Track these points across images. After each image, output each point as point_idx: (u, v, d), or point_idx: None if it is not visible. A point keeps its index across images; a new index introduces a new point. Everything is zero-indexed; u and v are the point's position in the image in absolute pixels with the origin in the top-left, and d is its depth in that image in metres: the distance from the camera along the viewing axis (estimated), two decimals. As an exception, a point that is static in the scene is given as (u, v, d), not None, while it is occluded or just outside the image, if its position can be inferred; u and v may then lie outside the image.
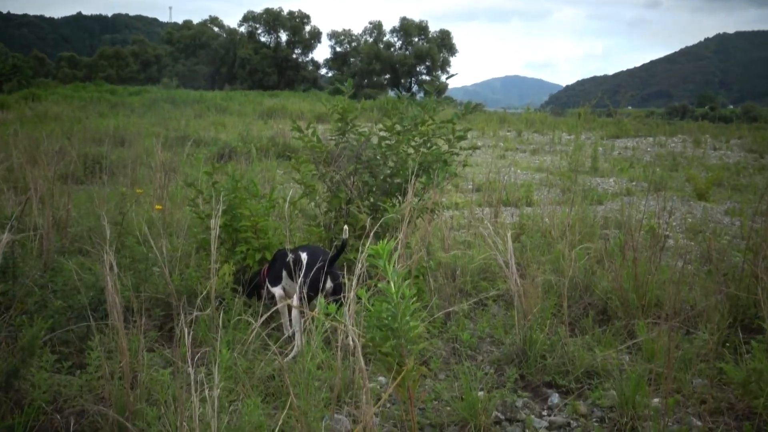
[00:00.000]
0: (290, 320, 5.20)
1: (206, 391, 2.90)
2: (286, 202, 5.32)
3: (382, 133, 6.44)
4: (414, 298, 3.50)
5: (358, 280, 3.97)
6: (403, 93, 6.40)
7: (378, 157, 6.40)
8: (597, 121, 31.07)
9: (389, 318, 3.42)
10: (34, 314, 4.64)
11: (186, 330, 3.03)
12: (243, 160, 13.36)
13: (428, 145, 6.39)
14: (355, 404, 4.10)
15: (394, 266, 3.39)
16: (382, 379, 4.70)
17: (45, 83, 51.34)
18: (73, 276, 5.17)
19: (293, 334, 5.04)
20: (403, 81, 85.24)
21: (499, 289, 6.28)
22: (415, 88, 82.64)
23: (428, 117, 6.31)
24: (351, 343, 4.55)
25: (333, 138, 6.55)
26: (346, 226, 4.77)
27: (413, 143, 6.39)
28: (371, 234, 4.48)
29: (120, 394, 3.69)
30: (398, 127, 6.30)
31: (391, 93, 75.01)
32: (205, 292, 4.75)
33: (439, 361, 4.96)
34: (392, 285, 3.35)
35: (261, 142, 17.28)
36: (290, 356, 4.79)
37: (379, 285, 3.37)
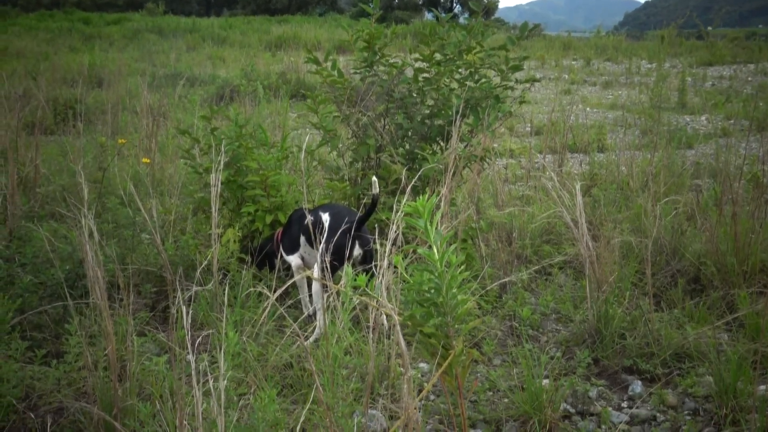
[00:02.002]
0: (310, 295, 5.22)
1: (210, 383, 2.91)
2: (302, 151, 5.29)
3: (418, 65, 6.37)
4: (462, 267, 3.48)
5: (393, 245, 3.96)
6: (443, 15, 6.32)
7: (414, 94, 6.35)
8: (684, 45, 30.59)
9: (432, 291, 3.41)
10: (0, 293, 4.68)
11: (184, 309, 3.04)
12: (248, 102, 13.34)
13: (475, 77, 6.32)
14: (391, 397, 4.12)
15: (437, 227, 3.38)
16: (423, 365, 4.72)
17: (3, 12, 51.29)
18: (44, 246, 5.21)
19: (314, 312, 5.05)
20: (442, 0, 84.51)
21: (566, 254, 6.26)
22: (457, 8, 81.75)
23: (475, 43, 6.23)
24: (385, 322, 4.57)
25: (358, 71, 6.50)
26: (375, 179, 4.70)
27: (457, 76, 6.33)
28: (408, 188, 4.45)
29: (105, 388, 3.73)
30: (438, 56, 6.23)
31: (428, 15, 74.35)
32: (205, 263, 4.75)
33: (494, 342, 4.94)
34: (435, 250, 3.33)
35: (269, 78, 17.25)
36: (311, 339, 4.82)
37: (419, 250, 3.36)
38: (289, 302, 5.10)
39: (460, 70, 6.29)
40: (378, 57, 6.36)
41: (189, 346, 2.94)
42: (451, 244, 3.39)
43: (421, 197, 3.36)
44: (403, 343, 3.00)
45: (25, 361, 4.24)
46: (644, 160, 8.58)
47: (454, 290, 3.38)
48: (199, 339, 3.59)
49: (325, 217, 4.99)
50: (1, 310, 4.05)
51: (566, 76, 23.46)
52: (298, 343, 4.63)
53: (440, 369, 3.42)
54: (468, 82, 6.24)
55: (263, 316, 4.30)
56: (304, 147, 5.36)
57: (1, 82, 11.41)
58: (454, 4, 79.61)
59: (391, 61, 6.40)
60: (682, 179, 8.07)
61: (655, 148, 8.24)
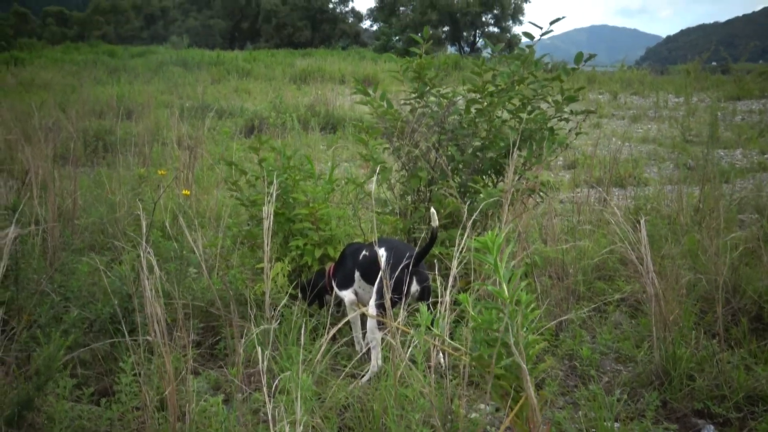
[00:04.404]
0: (364, 333, 5.07)
1: (287, 428, 2.76)
2: (374, 184, 5.12)
3: (470, 96, 6.24)
4: (532, 305, 3.35)
5: (455, 281, 3.82)
6: (466, 49, 6.22)
7: (465, 126, 6.21)
8: (710, 80, 30.48)
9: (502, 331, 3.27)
10: (46, 328, 4.56)
11: (260, 350, 2.88)
12: (279, 134, 13.28)
13: (528, 109, 6.17)
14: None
15: (505, 264, 3.25)
16: (483, 406, 4.55)
17: (29, 44, 51.87)
18: (88, 280, 5.08)
19: (368, 350, 4.90)
20: (465, 34, 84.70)
21: (623, 291, 6.08)
22: (480, 42, 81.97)
23: (528, 73, 6.10)
24: (442, 361, 4.43)
25: (408, 102, 6.38)
26: (434, 210, 4.52)
27: (509, 107, 6.19)
28: (469, 223, 4.30)
29: (162, 430, 3.59)
30: (491, 87, 6.09)
31: (451, 49, 74.62)
32: (271, 301, 4.54)
33: (555, 383, 4.77)
34: (505, 288, 3.20)
35: (298, 111, 17.22)
36: (365, 378, 4.65)
37: (488, 287, 3.23)
38: (343, 340, 4.94)
39: (512, 101, 6.15)
40: (428, 88, 6.25)
41: (264, 390, 2.78)
42: (519, 281, 3.24)
43: (490, 232, 3.24)
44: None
45: (73, 400, 4.11)
46: (689, 194, 8.41)
47: (525, 330, 3.25)
48: (276, 382, 3.43)
49: (382, 252, 4.82)
50: (52, 347, 3.89)
51: (593, 109, 23.35)
52: (356, 383, 4.48)
53: (512, 412, 3.28)
54: (522, 114, 6.10)
55: (319, 355, 4.16)
56: (375, 180, 5.21)
57: (31, 114, 11.39)
58: (477, 39, 79.84)
59: (443, 91, 6.29)
60: (731, 214, 7.89)
61: (703, 182, 8.08)
